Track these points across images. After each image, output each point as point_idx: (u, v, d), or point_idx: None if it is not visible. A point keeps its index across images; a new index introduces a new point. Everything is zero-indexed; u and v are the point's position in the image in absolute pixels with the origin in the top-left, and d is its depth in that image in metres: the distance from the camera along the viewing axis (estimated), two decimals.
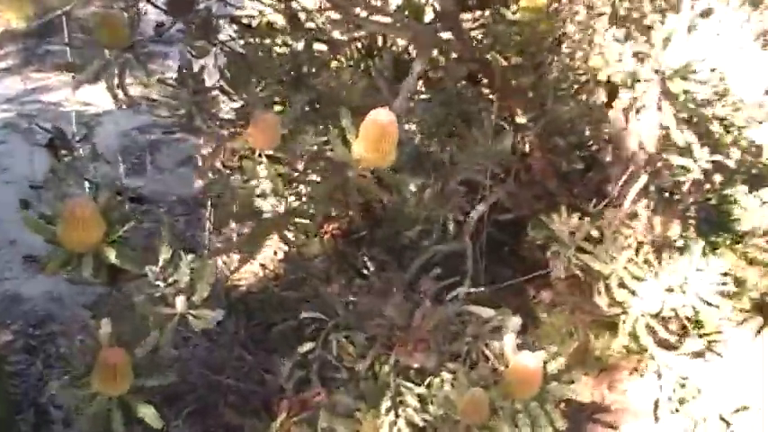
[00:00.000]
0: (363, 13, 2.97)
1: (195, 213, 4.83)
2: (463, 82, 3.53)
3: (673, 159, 3.05)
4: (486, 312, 2.95)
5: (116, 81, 2.46)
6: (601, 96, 3.67)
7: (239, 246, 2.53)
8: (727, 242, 4.11)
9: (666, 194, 3.51)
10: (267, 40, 3.26)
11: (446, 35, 3.28)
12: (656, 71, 2.67)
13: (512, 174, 3.59)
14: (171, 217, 4.72)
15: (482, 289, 3.01)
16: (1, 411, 3.49)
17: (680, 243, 3.18)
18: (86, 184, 2.73)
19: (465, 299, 2.99)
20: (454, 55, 3.32)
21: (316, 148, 2.32)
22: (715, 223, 4.13)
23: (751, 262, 3.98)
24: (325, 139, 2.42)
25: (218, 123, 2.35)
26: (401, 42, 3.65)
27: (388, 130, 2.20)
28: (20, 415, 3.68)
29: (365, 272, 3.25)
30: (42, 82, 6.48)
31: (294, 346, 3.80)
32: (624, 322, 3.07)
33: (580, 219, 3.43)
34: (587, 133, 3.84)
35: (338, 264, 3.21)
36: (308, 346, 2.77)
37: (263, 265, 4.05)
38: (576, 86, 3.60)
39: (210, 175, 2.34)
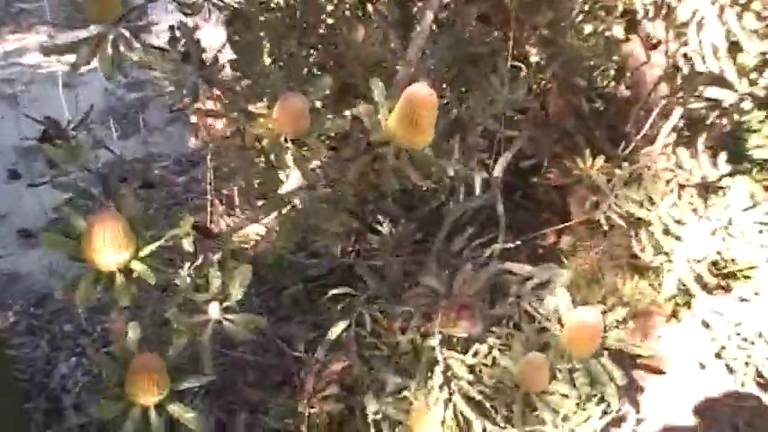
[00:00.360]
0: None
1: (191, 173, 4.61)
2: (473, 23, 3.28)
3: (711, 92, 2.84)
4: (527, 269, 2.80)
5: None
6: (616, 30, 3.47)
7: (250, 219, 2.31)
8: (745, 171, 4.01)
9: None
10: None
11: None
12: None
13: (529, 117, 3.40)
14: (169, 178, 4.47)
15: (519, 243, 2.83)
16: (10, 401, 3.31)
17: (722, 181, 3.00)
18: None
19: (500, 256, 2.84)
20: None
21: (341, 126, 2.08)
22: (731, 151, 3.99)
23: None
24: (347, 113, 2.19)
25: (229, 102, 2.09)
26: None
27: (428, 105, 1.99)
28: (29, 403, 3.48)
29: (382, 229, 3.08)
30: (19, 43, 6.11)
31: (307, 310, 3.66)
32: (669, 271, 2.93)
33: (606, 162, 3.28)
34: (604, 70, 3.64)
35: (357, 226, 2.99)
36: (341, 325, 2.58)
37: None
38: (593, 20, 3.37)
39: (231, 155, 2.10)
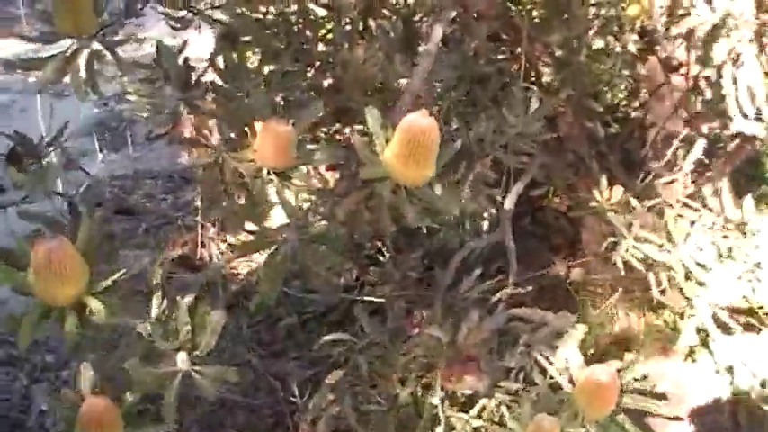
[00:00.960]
0: None
1: (185, 190, 4.35)
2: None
3: (739, 125, 2.59)
4: (538, 314, 2.55)
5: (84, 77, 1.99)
6: (632, 47, 3.23)
7: (243, 250, 2.04)
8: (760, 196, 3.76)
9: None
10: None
11: None
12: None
13: (539, 142, 3.16)
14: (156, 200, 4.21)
15: (529, 288, 2.59)
16: None
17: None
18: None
19: (510, 299, 2.60)
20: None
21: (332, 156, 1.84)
22: (749, 175, 3.75)
23: None
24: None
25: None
26: None
27: (429, 138, 1.75)
28: None
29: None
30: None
31: (302, 344, 3.42)
32: (690, 316, 2.68)
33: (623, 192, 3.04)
34: (621, 92, 3.41)
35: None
36: (337, 374, 2.33)
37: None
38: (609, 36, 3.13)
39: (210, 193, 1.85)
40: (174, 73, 1.94)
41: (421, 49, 2.88)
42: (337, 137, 2.71)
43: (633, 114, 3.56)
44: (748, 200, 2.65)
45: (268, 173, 1.79)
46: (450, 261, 2.53)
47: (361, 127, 2.30)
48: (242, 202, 1.81)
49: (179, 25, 2.77)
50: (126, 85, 1.94)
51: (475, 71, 3.10)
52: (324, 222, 1.85)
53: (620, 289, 3.30)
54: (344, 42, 2.41)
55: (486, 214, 2.77)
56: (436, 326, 2.21)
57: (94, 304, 1.65)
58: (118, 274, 1.67)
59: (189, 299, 1.78)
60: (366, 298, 3.00)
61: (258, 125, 1.79)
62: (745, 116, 2.26)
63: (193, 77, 2.01)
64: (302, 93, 2.33)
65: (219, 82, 2.01)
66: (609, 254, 3.34)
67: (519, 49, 2.89)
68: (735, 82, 2.16)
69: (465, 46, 3.06)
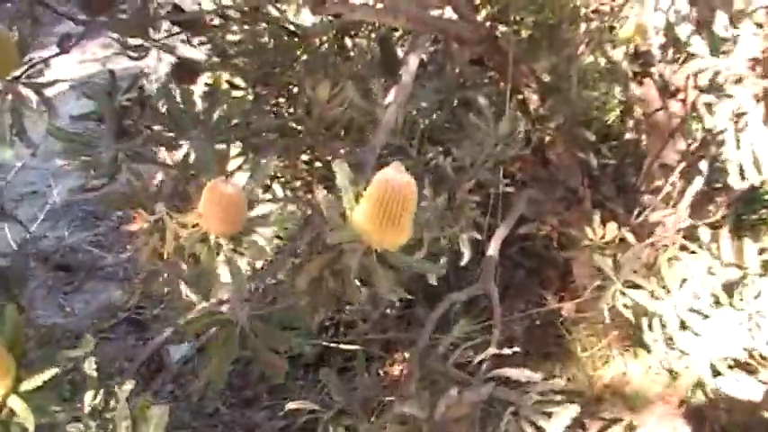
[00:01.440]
0: None
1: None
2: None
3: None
4: (525, 375, 2.30)
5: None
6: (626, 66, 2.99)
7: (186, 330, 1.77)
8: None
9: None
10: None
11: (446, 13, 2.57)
12: None
13: (527, 170, 2.91)
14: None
15: (517, 350, 2.33)
16: None
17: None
18: None
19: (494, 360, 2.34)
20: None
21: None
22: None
23: None
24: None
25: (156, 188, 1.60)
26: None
27: (405, 197, 1.51)
28: None
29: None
30: None
31: (276, 390, 3.16)
32: (686, 368, 2.44)
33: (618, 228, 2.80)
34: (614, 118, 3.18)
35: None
36: None
37: None
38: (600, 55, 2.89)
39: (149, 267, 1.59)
40: (109, 116, 1.68)
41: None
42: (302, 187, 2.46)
43: (627, 142, 3.31)
44: (749, 245, 2.40)
45: (216, 238, 1.53)
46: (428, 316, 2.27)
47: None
48: (186, 273, 1.55)
49: (135, 54, 2.53)
50: (54, 131, 1.67)
51: (459, 97, 2.87)
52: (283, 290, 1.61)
53: (614, 330, 3.07)
54: (306, 77, 2.14)
55: (467, 252, 2.50)
56: (412, 401, 1.95)
57: (20, 407, 1.41)
58: (49, 373, 1.42)
59: (128, 387, 1.52)
60: (342, 346, 2.75)
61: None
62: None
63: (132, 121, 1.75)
64: (263, 135, 2.07)
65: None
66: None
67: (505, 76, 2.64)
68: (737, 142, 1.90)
69: (448, 70, 2.82)
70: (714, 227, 2.92)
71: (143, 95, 2.41)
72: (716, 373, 2.40)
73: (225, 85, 2.68)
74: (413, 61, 2.13)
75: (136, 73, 2.68)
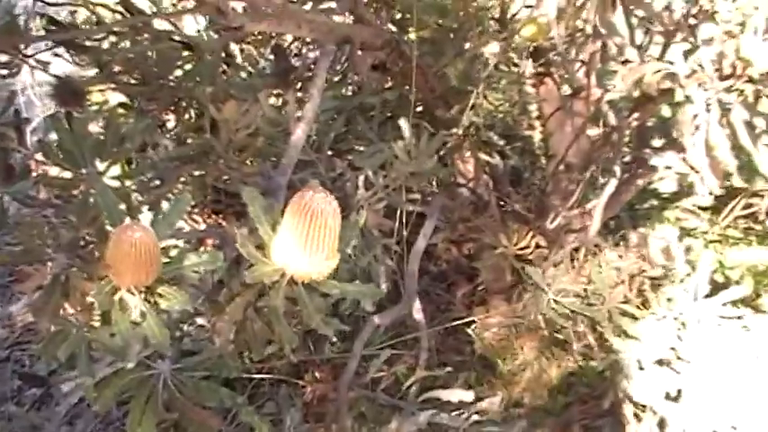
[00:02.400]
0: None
1: None
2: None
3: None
4: (456, 395, 2.21)
5: None
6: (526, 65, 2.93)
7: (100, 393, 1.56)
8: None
9: None
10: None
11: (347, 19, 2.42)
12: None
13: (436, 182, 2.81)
14: None
15: (447, 370, 2.22)
16: None
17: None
18: None
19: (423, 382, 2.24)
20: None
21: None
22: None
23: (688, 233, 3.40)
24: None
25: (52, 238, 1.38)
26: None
27: (326, 218, 1.36)
28: None
29: None
30: None
31: None
32: (619, 371, 2.39)
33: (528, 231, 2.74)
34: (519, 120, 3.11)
35: None
36: None
37: None
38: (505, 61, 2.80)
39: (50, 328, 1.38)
40: None
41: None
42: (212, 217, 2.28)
43: (532, 143, 3.26)
44: (678, 248, 2.38)
45: (129, 291, 1.35)
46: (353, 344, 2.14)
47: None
48: (96, 332, 1.36)
49: (5, 72, 2.29)
50: None
51: (358, 104, 2.74)
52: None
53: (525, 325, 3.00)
54: (203, 94, 1.96)
55: (383, 277, 2.39)
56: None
57: None
58: None
59: None
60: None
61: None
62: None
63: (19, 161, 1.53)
64: (168, 162, 1.87)
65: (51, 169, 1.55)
66: (512, 293, 3.07)
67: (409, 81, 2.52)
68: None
69: (348, 77, 2.69)
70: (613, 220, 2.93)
71: (20, 119, 2.18)
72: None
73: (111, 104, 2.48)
74: (320, 74, 1.99)
75: (7, 93, 2.44)
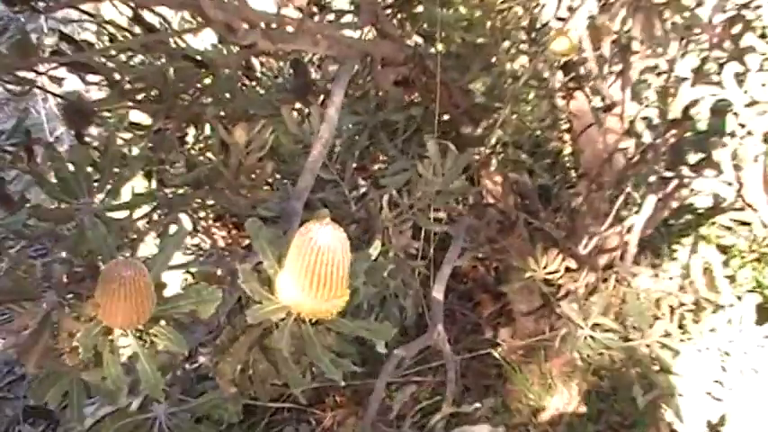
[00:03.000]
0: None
1: None
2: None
3: None
4: (486, 430, 2.10)
5: None
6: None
7: None
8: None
9: None
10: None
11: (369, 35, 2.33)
12: None
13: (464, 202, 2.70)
14: None
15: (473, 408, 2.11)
16: None
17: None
18: None
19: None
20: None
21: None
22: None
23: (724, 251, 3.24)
24: None
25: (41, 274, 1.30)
26: None
27: (337, 257, 1.25)
28: None
29: None
30: None
31: None
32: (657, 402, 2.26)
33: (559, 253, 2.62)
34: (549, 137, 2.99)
35: None
36: None
37: None
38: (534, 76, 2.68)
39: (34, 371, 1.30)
40: None
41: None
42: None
43: (562, 160, 3.14)
44: (721, 275, 2.24)
45: (122, 331, 1.26)
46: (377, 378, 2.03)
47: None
48: (87, 375, 1.27)
49: (17, 89, 2.21)
50: None
51: (379, 119, 2.64)
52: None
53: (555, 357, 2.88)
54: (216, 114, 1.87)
55: (410, 304, 2.29)
56: None
57: None
58: None
59: None
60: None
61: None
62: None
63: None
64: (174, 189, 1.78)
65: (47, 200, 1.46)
66: (540, 315, 2.95)
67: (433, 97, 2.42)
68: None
69: (370, 93, 2.59)
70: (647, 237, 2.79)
71: (29, 139, 2.10)
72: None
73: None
74: (338, 91, 1.89)
75: (21, 110, 2.37)
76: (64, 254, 1.27)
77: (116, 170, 1.48)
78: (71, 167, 1.37)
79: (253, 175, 1.69)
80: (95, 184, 1.40)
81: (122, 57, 2.22)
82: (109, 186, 1.40)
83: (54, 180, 1.35)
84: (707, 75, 2.12)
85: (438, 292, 2.16)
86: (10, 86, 2.20)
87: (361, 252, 1.42)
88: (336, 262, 1.25)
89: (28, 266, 1.26)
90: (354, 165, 2.57)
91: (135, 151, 2.04)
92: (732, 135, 1.89)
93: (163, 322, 1.28)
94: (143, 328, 1.27)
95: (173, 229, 1.81)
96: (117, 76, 2.18)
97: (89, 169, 1.41)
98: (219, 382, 1.37)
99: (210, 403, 1.39)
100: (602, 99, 2.69)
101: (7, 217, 1.36)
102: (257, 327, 1.36)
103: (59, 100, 2.07)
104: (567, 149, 3.25)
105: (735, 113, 1.74)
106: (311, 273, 1.24)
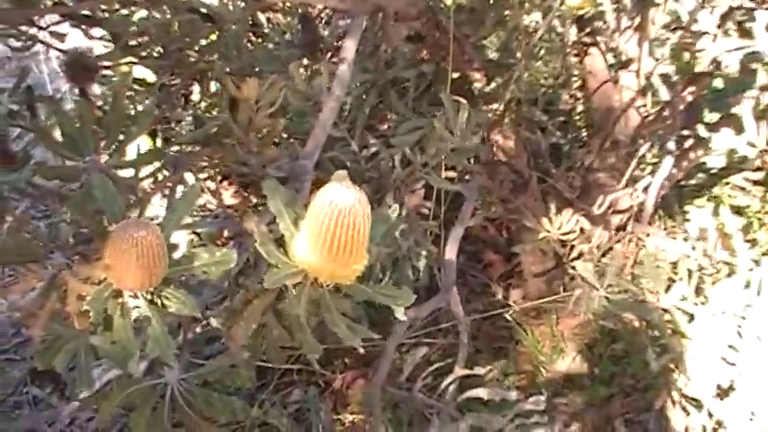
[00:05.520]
0: None
1: None
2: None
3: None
4: (499, 395, 2.05)
5: None
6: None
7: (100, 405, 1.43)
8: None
9: None
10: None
11: None
12: None
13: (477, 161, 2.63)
14: None
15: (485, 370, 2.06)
16: None
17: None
18: None
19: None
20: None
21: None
22: None
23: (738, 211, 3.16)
24: None
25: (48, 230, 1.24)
26: None
27: (357, 221, 1.19)
28: None
29: None
30: None
31: None
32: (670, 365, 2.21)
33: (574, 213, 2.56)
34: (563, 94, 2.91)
35: None
36: None
37: None
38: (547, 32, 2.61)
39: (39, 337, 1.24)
40: None
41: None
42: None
43: (574, 117, 3.06)
44: (740, 241, 2.18)
45: (132, 294, 1.20)
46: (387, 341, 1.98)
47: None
48: (96, 338, 1.22)
49: (18, 44, 2.14)
50: None
51: (389, 76, 2.56)
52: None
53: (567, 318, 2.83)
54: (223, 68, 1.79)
55: (422, 265, 2.24)
56: None
57: None
58: None
59: None
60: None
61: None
62: None
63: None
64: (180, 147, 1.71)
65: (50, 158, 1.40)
66: (553, 279, 2.90)
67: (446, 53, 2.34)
68: None
69: (380, 49, 2.51)
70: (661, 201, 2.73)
71: (32, 96, 2.03)
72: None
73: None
74: (350, 47, 1.81)
75: (22, 67, 2.29)
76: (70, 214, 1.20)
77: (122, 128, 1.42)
78: (76, 123, 1.30)
79: (262, 133, 1.61)
80: (102, 142, 1.33)
81: (124, 11, 2.13)
82: (116, 144, 1.33)
83: (59, 137, 1.28)
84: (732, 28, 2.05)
85: (451, 253, 2.10)
86: (11, 42, 2.13)
87: (378, 213, 1.36)
88: (357, 225, 1.18)
89: (33, 227, 1.19)
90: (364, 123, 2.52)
91: (139, 108, 1.95)
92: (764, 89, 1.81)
93: (173, 286, 1.22)
94: (153, 290, 1.21)
95: (179, 189, 1.75)
96: (120, 31, 2.11)
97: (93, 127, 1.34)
98: (231, 346, 1.31)
99: (223, 369, 1.34)
100: (615, 56, 2.61)
101: (10, 174, 1.29)
102: (272, 291, 1.30)
103: (62, 57, 1.99)
104: (579, 107, 3.16)
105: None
106: (331, 236, 1.18)
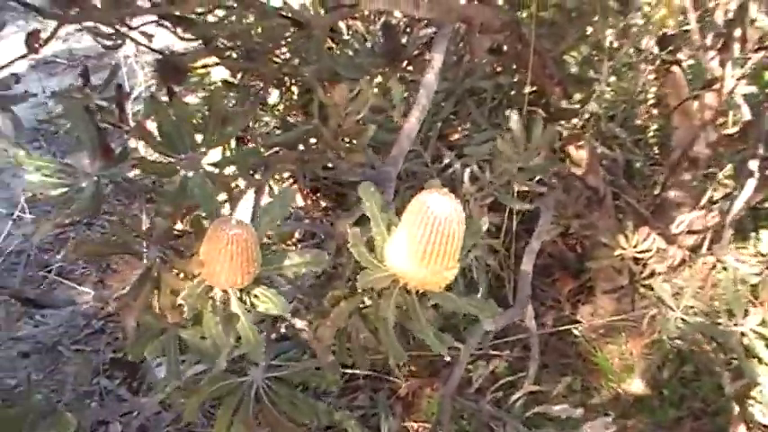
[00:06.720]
0: None
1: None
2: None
3: None
4: (567, 412, 2.01)
5: None
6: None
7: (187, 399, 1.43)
8: None
9: None
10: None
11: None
12: None
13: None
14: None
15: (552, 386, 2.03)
16: None
17: None
18: None
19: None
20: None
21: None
22: None
23: None
24: None
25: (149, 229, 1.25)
26: None
27: (453, 228, 1.18)
28: None
29: None
30: None
31: None
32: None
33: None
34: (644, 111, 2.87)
35: None
36: None
37: None
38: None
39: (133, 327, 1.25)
40: (86, 137, 1.33)
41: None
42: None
43: (652, 135, 3.01)
44: None
45: (224, 291, 1.21)
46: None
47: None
48: (186, 332, 1.23)
49: (110, 43, 2.17)
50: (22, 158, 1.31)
51: (466, 86, 2.55)
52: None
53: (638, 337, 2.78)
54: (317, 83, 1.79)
55: (483, 280, 2.22)
56: None
57: None
58: None
59: None
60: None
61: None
62: None
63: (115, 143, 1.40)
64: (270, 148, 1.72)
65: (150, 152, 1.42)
66: (624, 296, 2.84)
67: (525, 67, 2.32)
68: None
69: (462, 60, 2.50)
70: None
71: (122, 94, 2.06)
72: None
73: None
74: (438, 57, 1.80)
75: (111, 67, 2.32)
76: (166, 209, 1.21)
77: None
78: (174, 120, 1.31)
79: (350, 138, 1.61)
80: (198, 141, 1.34)
81: (218, 13, 2.15)
82: (212, 143, 1.33)
83: (156, 134, 1.29)
84: None
85: (527, 267, 2.07)
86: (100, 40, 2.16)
87: (471, 223, 1.34)
88: (452, 233, 1.19)
89: (131, 220, 1.20)
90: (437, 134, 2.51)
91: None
92: None
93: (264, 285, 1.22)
94: (243, 288, 1.21)
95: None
96: (209, 32, 2.13)
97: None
98: (317, 348, 1.31)
99: (309, 370, 1.34)
100: (700, 74, 2.55)
101: (110, 167, 1.30)
102: (359, 293, 1.29)
103: (147, 57, 2.01)
104: (653, 125, 3.10)
105: None
106: (426, 243, 1.18)
